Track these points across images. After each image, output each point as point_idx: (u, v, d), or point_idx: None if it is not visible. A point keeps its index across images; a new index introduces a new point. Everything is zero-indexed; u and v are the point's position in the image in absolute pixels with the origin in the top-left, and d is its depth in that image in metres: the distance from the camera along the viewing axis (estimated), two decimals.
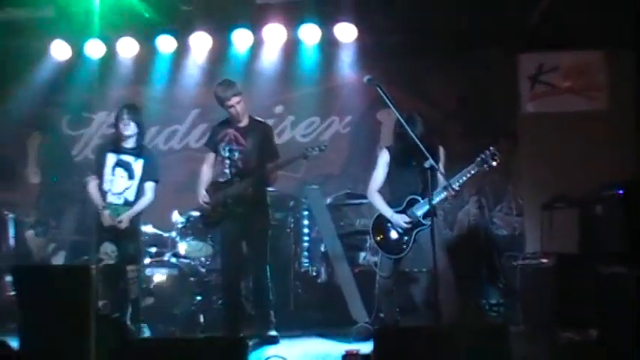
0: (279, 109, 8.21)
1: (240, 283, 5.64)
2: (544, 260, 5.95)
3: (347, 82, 7.99)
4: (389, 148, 5.25)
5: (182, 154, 8.12)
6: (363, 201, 6.31)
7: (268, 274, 5.53)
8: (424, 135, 4.73)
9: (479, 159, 4.82)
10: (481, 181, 7.44)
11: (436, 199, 4.82)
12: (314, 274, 7.00)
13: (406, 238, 5.13)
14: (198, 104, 8.07)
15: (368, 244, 6.24)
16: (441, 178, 4.76)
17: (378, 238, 5.21)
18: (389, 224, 5.16)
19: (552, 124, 7.20)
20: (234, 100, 5.32)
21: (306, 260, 7.06)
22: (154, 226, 6.68)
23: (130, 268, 5.58)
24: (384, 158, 5.26)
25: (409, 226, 5.06)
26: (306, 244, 7.12)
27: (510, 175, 7.53)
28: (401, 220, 5.08)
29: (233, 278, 5.48)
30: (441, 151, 5.06)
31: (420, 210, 5.05)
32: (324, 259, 6.78)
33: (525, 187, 7.39)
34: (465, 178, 4.85)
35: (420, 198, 5.07)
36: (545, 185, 6.84)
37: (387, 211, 5.17)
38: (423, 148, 4.38)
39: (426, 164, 4.37)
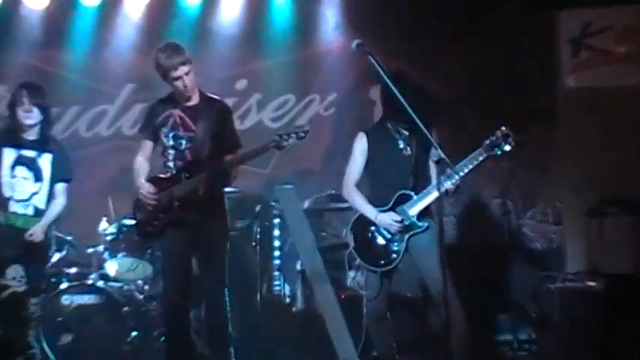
0: (241, 83, 8.28)
1: (189, 312, 5.62)
2: (591, 283, 6.06)
3: (330, 48, 8.09)
4: (367, 132, 5.30)
5: (112, 144, 8.21)
6: None
7: (227, 300, 5.49)
8: (418, 105, 4.70)
9: (487, 142, 4.90)
10: (506, 179, 7.50)
11: (431, 194, 4.96)
12: (287, 300, 7.17)
13: (396, 244, 5.17)
14: (134, 77, 8.08)
15: (358, 261, 6.03)
16: (432, 167, 4.86)
17: (359, 244, 5.28)
18: (372, 228, 5.21)
19: (601, 103, 7.29)
20: (182, 70, 5.26)
21: (277, 282, 7.19)
22: (74, 239, 6.81)
23: (33, 300, 5.73)
24: (360, 144, 5.30)
25: (400, 227, 5.10)
26: (276, 261, 7.21)
27: (545, 170, 7.61)
28: (389, 218, 5.10)
29: (180, 307, 5.44)
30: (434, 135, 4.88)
31: (413, 207, 5.09)
32: (301, 281, 6.90)
33: (565, 186, 7.54)
34: (470, 167, 4.92)
35: (412, 193, 5.12)
36: (592, 184, 7.01)
37: (370, 211, 5.20)
38: (417, 121, 4.38)
39: (433, 156, 4.41)
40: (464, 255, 7.23)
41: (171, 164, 5.34)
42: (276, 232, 7.25)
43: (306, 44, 8.11)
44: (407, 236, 5.11)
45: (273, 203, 7.17)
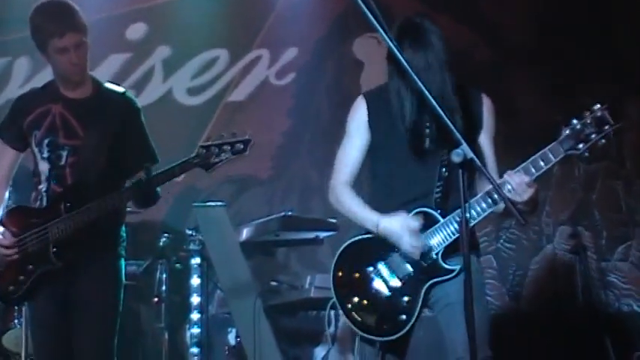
0: (136, 30, 7.38)
1: None
2: None
3: None
4: (368, 98, 4.57)
5: None
6: (324, 234, 6.18)
7: None
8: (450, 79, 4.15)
9: (568, 131, 4.10)
10: (582, 193, 6.99)
11: (471, 221, 4.18)
12: None
13: (407, 295, 4.38)
14: None
15: (332, 330, 6.09)
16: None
17: (348, 293, 4.49)
18: (370, 268, 4.43)
19: None
20: (70, 39, 4.67)
21: None
22: None
23: None
24: (357, 115, 4.57)
25: (419, 252, 4.39)
26: (195, 330, 6.47)
27: None
28: (405, 226, 4.36)
29: None
30: (487, 107, 4.38)
31: (435, 238, 4.33)
32: None
33: None
34: (541, 169, 4.12)
35: (436, 214, 4.36)
36: None
37: (370, 219, 4.43)
38: (441, 112, 3.63)
39: (454, 156, 3.58)
40: (509, 322, 6.92)
41: (43, 187, 4.82)
42: (195, 281, 6.47)
43: None
44: (426, 286, 4.36)
45: (189, 232, 6.49)
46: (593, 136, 4.13)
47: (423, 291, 4.39)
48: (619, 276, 7.01)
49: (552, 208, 7.08)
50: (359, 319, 4.48)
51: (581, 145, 4.15)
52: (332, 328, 6.27)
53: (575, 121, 4.17)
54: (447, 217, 4.36)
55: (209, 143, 4.60)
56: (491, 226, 6.91)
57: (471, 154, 3.64)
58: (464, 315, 3.89)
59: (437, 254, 4.37)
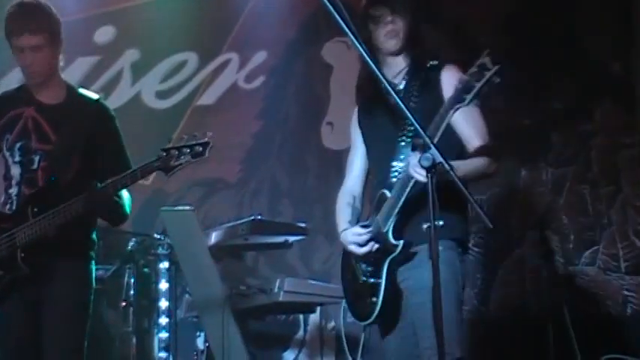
0: (105, 33, 7.43)
1: None
2: None
3: None
4: (359, 100, 4.81)
5: None
6: (293, 238, 6.28)
7: None
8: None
9: (461, 81, 4.15)
10: (549, 196, 6.93)
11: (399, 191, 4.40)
12: None
13: (372, 280, 4.58)
14: None
15: (303, 333, 6.40)
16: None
17: (347, 288, 4.78)
18: (353, 260, 4.69)
19: None
20: (27, 40, 4.75)
21: None
22: None
23: None
24: (353, 120, 4.84)
25: (367, 248, 4.52)
26: (164, 334, 6.44)
27: (616, 178, 7.04)
28: (350, 236, 4.60)
29: None
30: (446, 77, 4.42)
31: (384, 214, 4.53)
32: None
33: None
34: (443, 123, 4.22)
35: (387, 191, 4.56)
36: None
37: (340, 225, 4.77)
38: (412, 120, 3.83)
39: (424, 161, 3.78)
40: (477, 325, 6.84)
41: (14, 191, 4.88)
42: (164, 285, 6.46)
43: None
44: (385, 265, 4.50)
45: (157, 236, 6.50)
46: (476, 84, 4.21)
47: (384, 270, 4.51)
48: (586, 280, 7.05)
49: (520, 212, 7.10)
50: (351, 308, 4.76)
51: (466, 96, 4.22)
52: (301, 332, 6.46)
53: (464, 77, 4.29)
54: (392, 192, 4.47)
55: (169, 146, 4.62)
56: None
57: (439, 159, 3.74)
58: (430, 303, 4.08)
59: (386, 232, 4.50)
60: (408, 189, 4.36)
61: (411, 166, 4.24)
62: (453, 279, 4.32)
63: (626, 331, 6.85)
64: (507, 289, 7.11)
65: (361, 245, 4.57)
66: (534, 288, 6.99)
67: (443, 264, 4.10)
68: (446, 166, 3.77)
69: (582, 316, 6.81)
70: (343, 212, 4.86)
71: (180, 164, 4.56)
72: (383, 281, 4.53)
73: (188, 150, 4.56)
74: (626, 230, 7.08)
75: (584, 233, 7.08)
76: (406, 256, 4.49)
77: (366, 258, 4.65)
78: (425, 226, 4.15)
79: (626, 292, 6.89)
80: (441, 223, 4.12)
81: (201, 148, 4.55)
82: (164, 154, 4.58)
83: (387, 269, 4.52)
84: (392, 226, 4.48)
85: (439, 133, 4.24)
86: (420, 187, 4.23)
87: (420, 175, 4.17)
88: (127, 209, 5.06)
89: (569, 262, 7.03)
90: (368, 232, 4.61)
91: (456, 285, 4.40)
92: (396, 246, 4.45)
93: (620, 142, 7.12)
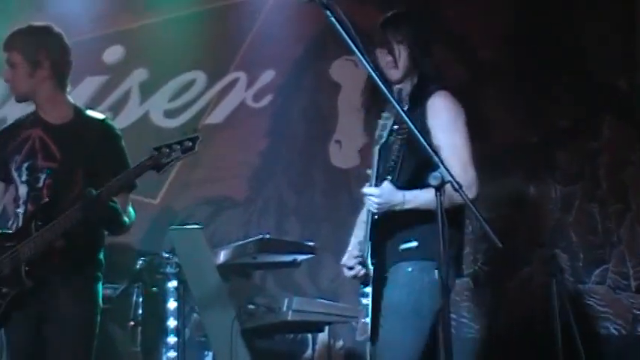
0: (114, 52, 7.47)
1: None
2: None
3: None
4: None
5: None
6: (301, 257, 6.21)
7: None
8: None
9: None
10: (559, 213, 6.91)
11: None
12: None
13: (364, 301, 4.60)
14: None
15: (311, 352, 6.37)
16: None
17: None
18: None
19: None
20: (4, 54, 4.92)
21: None
22: None
23: None
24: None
25: (353, 272, 4.51)
26: (172, 353, 6.51)
27: (624, 196, 7.00)
28: (345, 259, 4.62)
29: None
30: (430, 106, 4.41)
31: (364, 239, 4.56)
32: None
33: None
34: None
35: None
36: None
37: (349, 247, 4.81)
38: (421, 138, 3.78)
39: (432, 180, 3.71)
40: (485, 344, 7.00)
41: (21, 210, 4.94)
42: (171, 304, 6.50)
43: None
44: (370, 287, 4.48)
45: (165, 255, 6.51)
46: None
47: (370, 292, 4.51)
48: (596, 299, 7.01)
49: (529, 230, 7.10)
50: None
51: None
52: (309, 351, 6.44)
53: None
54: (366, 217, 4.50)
55: (160, 145, 4.62)
56: (469, 248, 6.82)
57: (448, 177, 3.71)
58: (389, 324, 4.22)
59: (366, 255, 4.52)
60: (370, 215, 4.42)
61: (363, 194, 4.27)
62: (409, 301, 4.29)
63: (636, 350, 6.85)
64: (516, 307, 7.07)
65: (349, 268, 4.61)
66: (543, 306, 6.79)
67: (404, 286, 4.24)
68: (455, 185, 3.74)
69: (592, 335, 6.82)
70: (355, 231, 4.86)
71: (172, 160, 4.61)
72: (370, 302, 4.56)
73: (178, 146, 4.58)
74: (636, 249, 7.08)
75: (594, 251, 7.07)
76: (382, 278, 4.50)
77: (361, 280, 4.66)
78: (401, 247, 4.32)
79: (636, 311, 6.87)
80: (414, 244, 4.24)
81: (190, 143, 4.59)
82: (155, 152, 4.61)
83: (373, 290, 4.53)
84: (369, 249, 4.50)
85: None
86: (385, 211, 4.32)
87: (370, 205, 4.25)
88: (126, 219, 5.04)
89: (578, 281, 7.03)
90: (357, 257, 4.62)
91: (410, 308, 4.36)
92: (371, 269, 4.51)
93: (627, 159, 7.12)
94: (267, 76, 7.48)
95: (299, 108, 7.49)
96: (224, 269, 6.22)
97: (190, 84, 7.49)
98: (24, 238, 4.84)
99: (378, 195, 4.33)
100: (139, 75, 7.46)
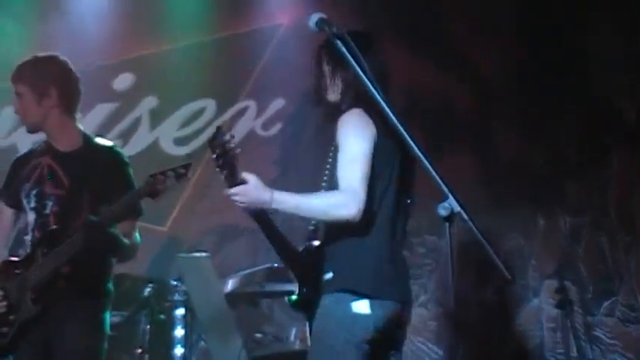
0: (124, 80, 7.43)
1: None
2: None
3: (275, 25, 7.59)
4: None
5: None
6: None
7: None
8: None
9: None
10: (567, 243, 6.92)
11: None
12: None
13: None
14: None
15: None
16: None
17: None
18: None
19: None
20: (14, 87, 4.94)
21: None
22: None
23: None
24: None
25: None
26: None
27: (633, 226, 7.00)
28: None
29: None
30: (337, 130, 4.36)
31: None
32: None
33: None
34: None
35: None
36: None
37: None
38: (428, 165, 3.59)
39: (441, 210, 3.54)
40: None
41: (29, 237, 4.96)
42: (179, 332, 6.37)
43: (233, 18, 7.55)
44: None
45: (173, 283, 6.42)
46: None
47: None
48: (605, 331, 6.99)
49: (538, 261, 7.07)
50: None
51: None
52: None
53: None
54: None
55: (155, 172, 4.63)
56: (478, 278, 7.03)
57: (458, 208, 3.59)
58: (310, 353, 4.11)
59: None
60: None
61: (229, 195, 4.15)
62: (323, 336, 4.19)
63: None
64: (525, 338, 7.04)
65: None
66: (552, 338, 6.91)
67: (319, 319, 4.17)
68: (464, 216, 3.60)
69: None
70: None
71: (166, 188, 4.62)
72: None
73: (172, 173, 4.60)
74: None
75: (603, 283, 7.05)
76: (313, 309, 4.35)
77: None
78: (325, 277, 4.25)
79: None
80: (330, 275, 4.16)
81: (183, 170, 4.62)
82: (151, 179, 4.63)
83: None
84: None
85: None
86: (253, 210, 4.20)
87: (237, 205, 4.09)
88: (127, 241, 4.99)
89: (587, 313, 6.98)
90: None
91: (325, 344, 4.21)
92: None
93: (636, 190, 7.11)
94: (277, 104, 7.51)
95: (308, 136, 7.46)
96: (232, 297, 6.22)
97: (200, 112, 7.51)
98: (30, 265, 4.86)
99: (243, 194, 4.22)
100: (149, 102, 7.45)
